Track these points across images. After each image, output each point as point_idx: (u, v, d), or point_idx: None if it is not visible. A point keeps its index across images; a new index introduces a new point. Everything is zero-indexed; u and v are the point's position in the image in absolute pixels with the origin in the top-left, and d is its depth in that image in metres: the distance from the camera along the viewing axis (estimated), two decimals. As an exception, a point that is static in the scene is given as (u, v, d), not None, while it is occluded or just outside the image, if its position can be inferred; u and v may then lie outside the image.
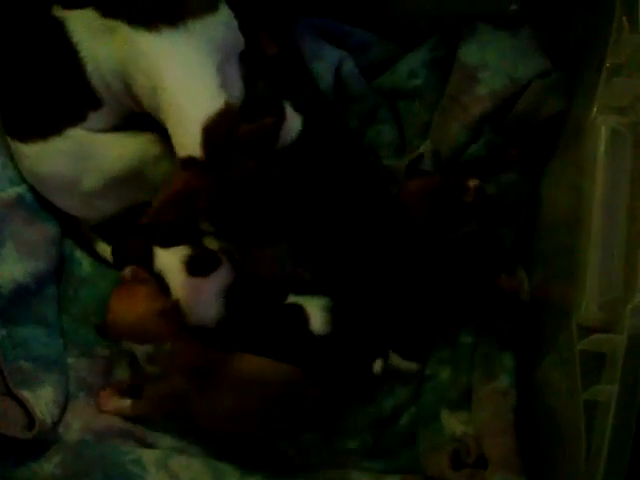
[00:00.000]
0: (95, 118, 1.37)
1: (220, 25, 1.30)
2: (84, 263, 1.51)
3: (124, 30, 1.26)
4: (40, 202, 1.46)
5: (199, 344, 1.36)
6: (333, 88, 1.54)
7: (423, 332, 1.48)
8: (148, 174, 1.40)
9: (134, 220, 1.40)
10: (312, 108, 1.45)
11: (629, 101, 1.12)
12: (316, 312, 1.37)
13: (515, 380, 1.36)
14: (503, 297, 1.43)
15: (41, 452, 1.33)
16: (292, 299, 1.41)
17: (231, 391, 1.32)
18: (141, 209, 1.41)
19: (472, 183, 1.36)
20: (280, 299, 1.41)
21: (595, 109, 1.16)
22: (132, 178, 1.40)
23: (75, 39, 1.30)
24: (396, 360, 1.42)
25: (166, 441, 1.39)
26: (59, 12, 1.31)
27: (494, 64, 1.47)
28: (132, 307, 1.34)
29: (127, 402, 1.40)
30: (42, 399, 1.34)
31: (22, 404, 1.31)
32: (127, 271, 1.39)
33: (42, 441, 1.33)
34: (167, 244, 1.39)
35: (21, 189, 1.44)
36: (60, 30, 1.31)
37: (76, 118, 1.36)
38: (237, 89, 1.37)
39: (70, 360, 1.45)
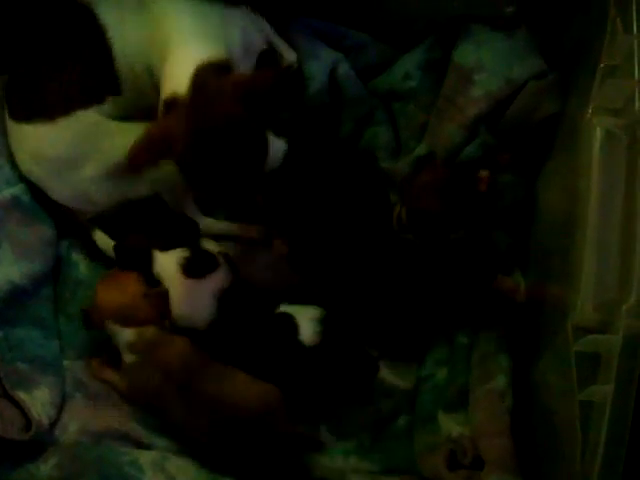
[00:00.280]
0: (110, 103, 1.40)
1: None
2: (80, 265, 1.52)
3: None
4: (36, 203, 1.46)
5: (187, 344, 1.37)
6: (327, 88, 1.55)
7: (418, 334, 1.48)
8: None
9: (135, 218, 1.41)
10: (295, 128, 1.45)
11: (624, 102, 1.12)
12: (306, 322, 1.37)
13: (511, 381, 1.36)
14: (499, 299, 1.43)
15: (38, 453, 1.33)
16: (283, 308, 1.41)
17: (205, 405, 1.33)
18: (139, 205, 1.43)
19: (484, 173, 1.36)
20: (271, 307, 1.41)
21: (590, 110, 1.16)
22: None
23: (103, 21, 1.35)
24: (386, 375, 1.42)
25: (163, 443, 1.39)
26: None
27: (490, 65, 1.47)
28: (118, 288, 1.37)
29: (116, 376, 1.41)
30: (38, 400, 1.35)
31: (19, 405, 1.32)
32: None
33: (39, 442, 1.34)
34: (166, 247, 1.40)
35: (17, 190, 1.44)
36: (87, 14, 1.36)
37: (92, 100, 1.38)
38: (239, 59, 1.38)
39: (66, 362, 1.45)
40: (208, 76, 1.23)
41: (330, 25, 1.57)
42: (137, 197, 1.47)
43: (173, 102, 1.23)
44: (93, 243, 1.50)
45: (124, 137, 1.40)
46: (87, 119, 1.39)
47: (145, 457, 1.36)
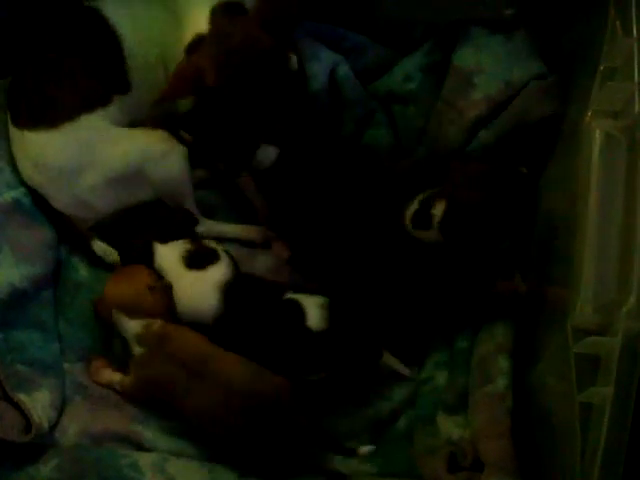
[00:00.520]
0: (116, 105, 1.42)
1: None
2: (80, 268, 1.52)
3: None
4: (37, 206, 1.47)
5: (196, 335, 1.38)
6: (327, 89, 1.55)
7: (420, 335, 1.48)
8: (149, 173, 1.44)
9: (138, 217, 1.45)
10: (296, 128, 1.46)
11: (623, 105, 1.12)
12: (313, 308, 1.38)
13: (511, 383, 1.36)
14: (500, 302, 1.43)
15: (38, 455, 1.33)
16: (290, 295, 1.41)
17: (217, 393, 1.33)
18: (140, 209, 1.43)
19: (524, 169, 1.34)
20: (278, 295, 1.41)
21: (589, 113, 1.16)
22: (133, 176, 1.44)
23: (113, 20, 1.40)
24: (389, 360, 1.42)
25: (163, 444, 1.39)
26: (93, 1, 1.41)
27: (489, 68, 1.47)
28: (125, 280, 1.41)
29: (118, 376, 1.41)
30: (39, 403, 1.35)
31: (19, 408, 1.32)
32: None
33: (39, 444, 1.34)
34: (166, 239, 1.42)
35: (18, 193, 1.45)
36: (95, 16, 1.40)
37: (97, 102, 1.41)
38: None
39: (66, 365, 1.45)
40: (225, 11, 1.30)
41: (330, 27, 1.58)
42: (137, 202, 1.48)
43: (197, 41, 1.31)
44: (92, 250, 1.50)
45: (124, 144, 1.42)
46: (91, 124, 1.41)
47: (145, 459, 1.36)
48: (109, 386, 1.42)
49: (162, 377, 1.36)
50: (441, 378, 1.45)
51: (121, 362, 1.43)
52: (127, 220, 1.49)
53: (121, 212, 1.49)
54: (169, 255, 1.43)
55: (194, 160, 1.50)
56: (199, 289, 1.41)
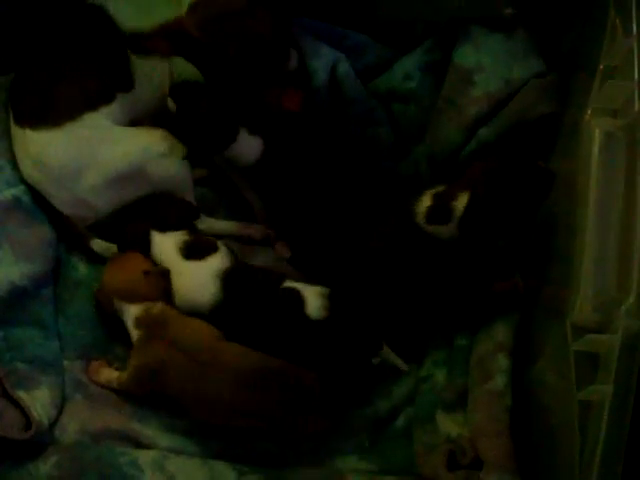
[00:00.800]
0: (120, 102, 1.43)
1: None
2: (80, 266, 1.51)
3: None
4: (37, 204, 1.47)
5: (199, 321, 1.38)
6: (328, 86, 1.55)
7: (419, 333, 1.48)
8: (149, 172, 1.44)
9: (137, 205, 1.46)
10: (274, 128, 1.47)
11: (623, 103, 1.12)
12: (313, 296, 1.38)
13: (510, 381, 1.36)
14: (499, 301, 1.43)
15: (38, 453, 1.33)
16: (289, 283, 1.42)
17: (222, 381, 1.33)
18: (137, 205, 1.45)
19: (542, 163, 1.34)
20: (277, 283, 1.41)
21: (589, 112, 1.17)
22: (133, 175, 1.44)
23: (116, 17, 1.40)
24: (388, 354, 1.42)
25: (162, 442, 1.39)
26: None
27: (489, 66, 1.47)
28: (121, 267, 1.42)
29: (116, 374, 1.41)
30: (38, 400, 1.35)
31: (18, 405, 1.32)
32: None
33: (39, 442, 1.34)
34: (164, 228, 1.43)
35: (18, 191, 1.45)
36: (99, 13, 1.40)
37: (100, 100, 1.41)
38: None
39: (66, 362, 1.45)
40: None
41: (330, 26, 1.57)
42: (136, 199, 1.48)
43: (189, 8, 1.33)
44: (91, 249, 1.51)
45: (127, 144, 1.43)
46: (94, 123, 1.41)
47: (144, 457, 1.36)
48: (108, 386, 1.42)
49: (159, 364, 1.35)
50: (440, 376, 1.45)
51: (121, 362, 1.43)
52: (126, 208, 1.49)
53: (119, 212, 1.49)
54: (166, 245, 1.43)
55: (194, 159, 1.50)
56: (197, 278, 1.41)
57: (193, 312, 1.40)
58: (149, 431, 1.39)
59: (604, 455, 0.99)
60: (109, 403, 1.41)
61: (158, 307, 1.38)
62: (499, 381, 1.35)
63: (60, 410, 1.40)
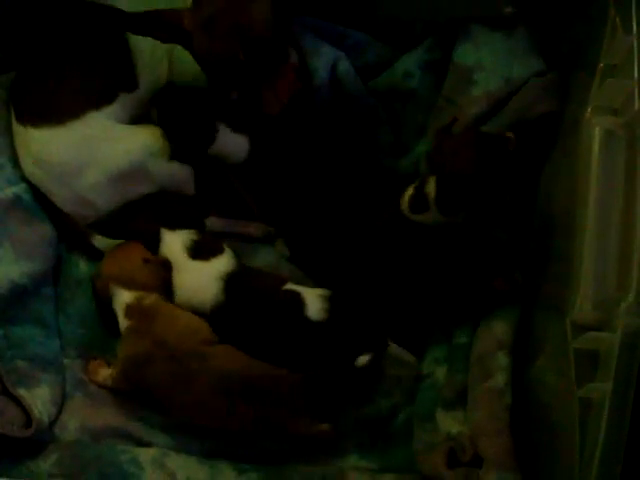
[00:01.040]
0: (122, 102, 1.43)
1: None
2: (81, 264, 1.52)
3: None
4: (37, 202, 1.47)
5: (192, 318, 1.39)
6: (328, 84, 1.55)
7: (419, 330, 1.48)
8: (150, 170, 1.45)
9: (148, 202, 1.47)
10: (262, 125, 1.46)
11: (623, 102, 1.12)
12: (313, 299, 1.38)
13: (510, 379, 1.36)
14: (498, 297, 1.43)
15: (38, 451, 1.34)
16: (289, 286, 1.42)
17: (205, 384, 1.33)
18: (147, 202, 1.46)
19: (509, 134, 1.35)
20: (278, 285, 1.41)
21: (589, 110, 1.17)
22: (134, 173, 1.44)
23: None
24: (395, 350, 1.42)
25: (162, 440, 1.39)
26: None
27: (489, 65, 1.47)
28: (121, 254, 1.43)
29: (109, 371, 1.41)
30: (39, 398, 1.35)
31: (19, 403, 1.32)
32: None
33: (39, 440, 1.34)
34: (174, 226, 1.44)
35: (19, 189, 1.45)
36: (102, 9, 1.40)
37: (103, 99, 1.41)
38: None
39: (66, 361, 1.46)
40: None
41: (330, 25, 1.58)
42: (139, 197, 1.48)
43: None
44: (91, 246, 1.51)
45: (128, 142, 1.43)
46: (96, 122, 1.41)
47: (145, 454, 1.36)
48: (105, 385, 1.42)
49: (143, 357, 1.34)
50: (440, 374, 1.45)
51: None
52: (134, 205, 1.49)
53: (121, 212, 1.50)
54: (175, 243, 1.44)
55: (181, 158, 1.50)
56: (200, 278, 1.41)
57: (193, 311, 1.40)
58: (149, 429, 1.40)
59: (604, 452, 0.99)
60: (109, 401, 1.42)
61: (151, 298, 1.38)
62: (499, 379, 1.35)
63: (60, 408, 1.40)
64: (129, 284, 1.39)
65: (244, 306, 1.40)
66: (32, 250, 1.44)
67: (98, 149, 1.42)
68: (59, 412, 1.39)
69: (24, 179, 1.46)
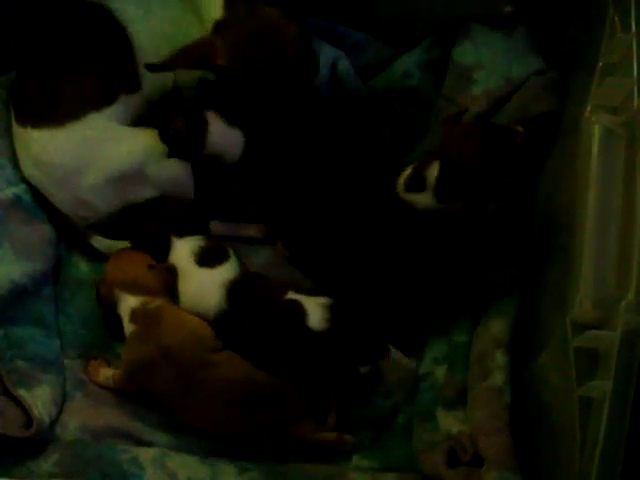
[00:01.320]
0: (124, 103, 1.42)
1: None
2: (81, 265, 1.52)
3: None
4: (37, 202, 1.47)
5: (196, 323, 1.38)
6: (328, 83, 1.55)
7: (418, 328, 1.48)
8: (150, 172, 1.44)
9: (154, 208, 1.46)
10: (299, 121, 1.46)
11: (622, 100, 1.12)
12: (315, 308, 1.37)
13: (509, 378, 1.36)
14: (498, 295, 1.43)
15: (39, 451, 1.33)
16: (291, 295, 1.42)
17: (208, 392, 1.33)
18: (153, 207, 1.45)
19: (519, 128, 1.33)
20: (280, 294, 1.41)
21: (589, 108, 1.17)
22: (134, 175, 1.44)
23: (121, 17, 1.40)
24: (397, 356, 1.42)
25: (163, 439, 1.39)
26: None
27: (489, 64, 1.48)
28: (126, 259, 1.42)
29: (112, 371, 1.41)
30: (39, 398, 1.35)
31: (19, 403, 1.32)
32: None
33: (40, 440, 1.34)
34: (182, 233, 1.43)
35: (18, 189, 1.45)
36: (103, 12, 1.39)
37: (104, 101, 1.41)
38: None
39: (67, 361, 1.45)
40: None
41: (330, 25, 1.58)
42: (140, 201, 1.48)
43: (215, 27, 1.32)
44: (91, 247, 1.51)
45: (128, 144, 1.43)
46: (97, 123, 1.41)
47: (145, 454, 1.36)
48: (107, 385, 1.42)
49: (147, 361, 1.34)
50: (440, 373, 1.45)
51: (121, 361, 1.43)
52: (140, 209, 1.49)
53: (122, 214, 1.49)
54: (184, 250, 1.43)
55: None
56: (204, 286, 1.41)
57: (198, 316, 1.40)
58: (150, 429, 1.39)
59: (604, 451, 0.99)
60: (110, 401, 1.41)
61: (156, 303, 1.37)
62: (498, 378, 1.35)
63: (61, 408, 1.40)
64: (134, 289, 1.38)
65: (246, 315, 1.40)
66: (32, 250, 1.44)
67: (98, 151, 1.42)
68: (59, 412, 1.39)
69: (24, 180, 1.46)
